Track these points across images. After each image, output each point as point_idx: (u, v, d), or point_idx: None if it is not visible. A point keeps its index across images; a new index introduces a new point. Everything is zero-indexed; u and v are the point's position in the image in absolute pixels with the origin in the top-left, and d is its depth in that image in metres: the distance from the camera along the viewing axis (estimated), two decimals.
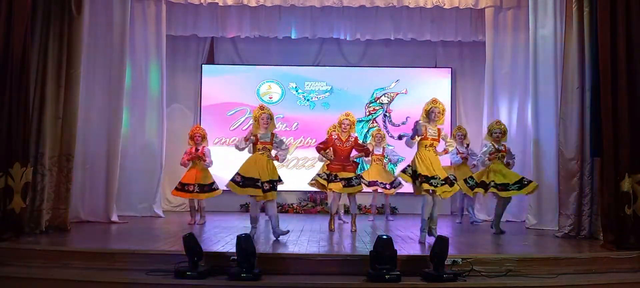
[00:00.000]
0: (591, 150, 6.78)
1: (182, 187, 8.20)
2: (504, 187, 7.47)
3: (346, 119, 7.53)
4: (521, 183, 7.47)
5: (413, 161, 6.55)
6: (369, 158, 8.97)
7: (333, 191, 7.67)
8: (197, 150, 8.25)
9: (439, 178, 6.38)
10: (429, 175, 6.37)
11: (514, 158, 7.82)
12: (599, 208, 6.63)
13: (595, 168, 6.79)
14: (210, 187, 8.25)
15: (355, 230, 7.51)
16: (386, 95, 10.88)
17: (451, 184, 6.50)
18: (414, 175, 6.47)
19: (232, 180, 6.59)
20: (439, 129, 6.59)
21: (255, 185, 6.51)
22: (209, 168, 8.33)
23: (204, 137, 8.39)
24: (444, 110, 6.65)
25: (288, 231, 6.83)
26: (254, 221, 6.78)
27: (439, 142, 6.59)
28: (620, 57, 6.21)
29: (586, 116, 6.86)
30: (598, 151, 6.53)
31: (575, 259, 5.66)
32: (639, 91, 6.19)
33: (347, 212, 8.92)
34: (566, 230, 7.03)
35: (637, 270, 5.52)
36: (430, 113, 6.57)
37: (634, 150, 6.12)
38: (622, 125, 6.15)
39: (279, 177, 6.81)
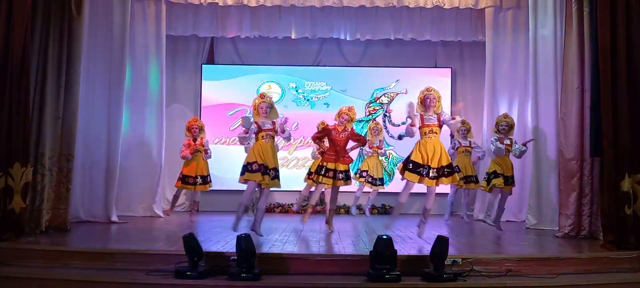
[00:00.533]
0: (591, 150, 6.78)
1: (185, 179, 8.18)
2: (508, 180, 7.58)
3: (346, 114, 7.42)
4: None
5: (413, 148, 6.52)
6: (368, 149, 8.96)
7: (325, 185, 7.44)
8: (195, 141, 8.23)
9: (430, 168, 6.29)
10: (420, 163, 6.31)
11: (524, 149, 7.73)
12: (599, 208, 6.63)
13: (595, 168, 6.80)
14: (208, 178, 8.31)
15: (332, 230, 7.35)
16: (386, 95, 10.88)
17: (448, 174, 6.37)
18: (406, 160, 6.47)
19: (248, 169, 6.53)
20: (438, 115, 6.48)
21: (266, 172, 6.52)
22: (209, 160, 8.39)
23: (201, 129, 8.38)
24: (439, 96, 6.54)
25: (261, 235, 6.65)
26: (245, 210, 6.70)
27: (440, 128, 6.49)
28: (620, 57, 6.21)
29: (586, 116, 6.86)
30: (598, 151, 6.54)
31: (575, 259, 5.66)
32: (639, 91, 6.19)
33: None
34: (566, 230, 7.03)
35: (637, 270, 5.52)
36: (425, 100, 6.50)
37: (634, 150, 6.12)
38: (622, 125, 6.15)
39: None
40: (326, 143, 7.52)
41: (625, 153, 6.13)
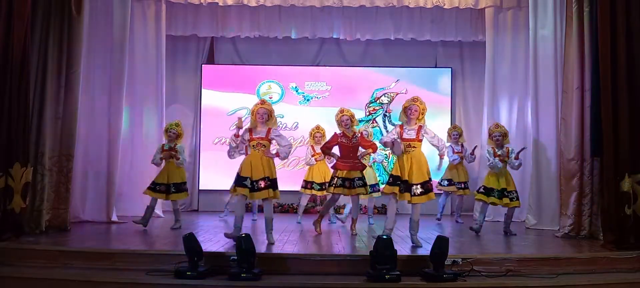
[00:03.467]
0: (591, 150, 6.79)
1: (155, 187, 7.57)
2: (502, 194, 7.35)
3: (343, 116, 7.23)
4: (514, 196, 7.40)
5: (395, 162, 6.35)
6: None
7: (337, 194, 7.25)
8: (170, 148, 7.69)
9: (406, 183, 6.07)
10: (400, 177, 6.12)
11: (519, 162, 7.40)
12: (599, 208, 6.64)
13: (595, 168, 6.80)
14: (183, 186, 7.71)
15: (356, 234, 7.14)
16: (386, 95, 10.88)
17: (422, 193, 6.09)
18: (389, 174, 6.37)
19: (238, 183, 6.25)
20: (419, 127, 6.22)
21: (243, 185, 6.17)
22: (182, 166, 7.75)
23: (179, 136, 7.78)
24: (424, 109, 6.27)
25: (273, 243, 6.20)
26: (237, 221, 6.23)
27: (420, 142, 6.21)
28: (620, 57, 6.21)
29: (586, 116, 6.86)
30: (598, 151, 6.55)
31: (575, 259, 5.67)
32: (639, 91, 6.19)
33: (337, 210, 8.89)
34: (566, 230, 7.03)
35: (637, 270, 5.53)
36: (407, 110, 6.24)
37: (634, 150, 6.13)
38: (622, 125, 6.16)
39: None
40: (336, 152, 7.34)
41: (625, 153, 6.13)
